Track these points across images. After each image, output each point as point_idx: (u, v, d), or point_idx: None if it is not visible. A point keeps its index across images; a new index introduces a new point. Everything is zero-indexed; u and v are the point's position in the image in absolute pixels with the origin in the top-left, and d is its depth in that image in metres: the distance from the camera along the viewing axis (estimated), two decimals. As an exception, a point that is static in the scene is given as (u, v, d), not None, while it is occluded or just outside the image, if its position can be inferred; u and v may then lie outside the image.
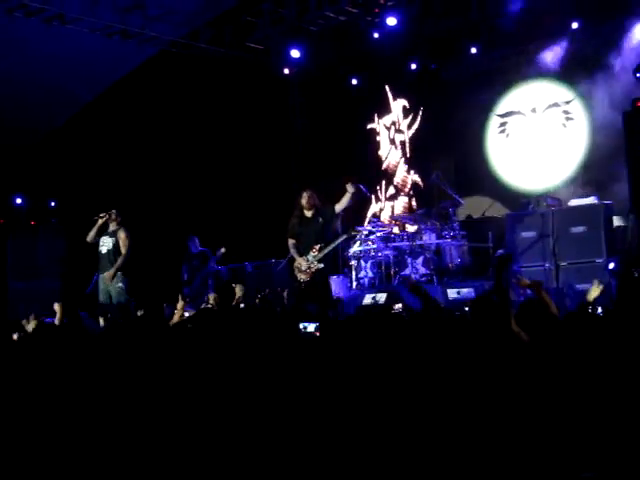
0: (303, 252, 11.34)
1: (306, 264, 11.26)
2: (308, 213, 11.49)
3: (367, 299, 12.88)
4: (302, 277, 11.21)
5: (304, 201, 11.20)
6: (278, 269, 14.60)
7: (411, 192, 16.57)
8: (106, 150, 16.55)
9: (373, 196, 16.81)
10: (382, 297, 12.61)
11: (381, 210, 16.67)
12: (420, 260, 13.55)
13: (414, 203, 16.31)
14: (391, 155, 17.03)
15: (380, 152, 17.15)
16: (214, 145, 16.85)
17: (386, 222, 14.89)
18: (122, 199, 16.03)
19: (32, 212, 17.33)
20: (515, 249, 12.58)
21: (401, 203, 16.61)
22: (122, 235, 11.61)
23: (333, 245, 11.25)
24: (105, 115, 16.27)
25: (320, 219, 11.32)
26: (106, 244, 11.79)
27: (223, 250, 13.75)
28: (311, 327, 3.02)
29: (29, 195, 17.22)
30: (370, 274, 13.88)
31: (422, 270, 13.42)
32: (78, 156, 16.44)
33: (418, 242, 13.67)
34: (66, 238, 16.43)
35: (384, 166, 17.06)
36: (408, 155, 16.82)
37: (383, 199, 16.86)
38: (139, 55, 15.54)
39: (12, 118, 15.30)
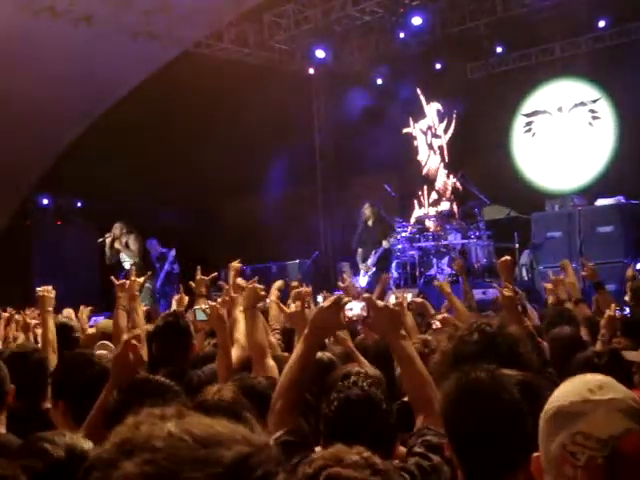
0: (365, 259, 13.21)
1: (365, 269, 13.09)
2: (370, 222, 13.30)
3: (392, 299, 12.82)
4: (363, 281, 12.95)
5: (366, 212, 13.28)
6: (303, 269, 14.63)
7: (452, 197, 16.44)
8: (131, 150, 16.60)
9: (416, 201, 16.80)
10: (407, 296, 12.55)
11: (425, 215, 16.38)
12: (445, 260, 13.51)
13: (455, 208, 16.06)
14: (430, 160, 16.96)
15: (419, 157, 17.09)
16: (238, 145, 16.86)
17: (432, 228, 14.71)
18: (146, 199, 16.11)
19: (58, 212, 17.41)
20: (541, 249, 12.50)
21: (444, 209, 16.41)
22: (131, 243, 12.22)
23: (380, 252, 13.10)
24: (130, 115, 16.31)
25: (379, 228, 13.32)
26: (127, 259, 12.21)
27: (173, 252, 13.88)
28: (357, 308, 2.97)
29: (55, 195, 17.30)
30: (395, 274, 13.84)
31: (447, 270, 13.37)
32: (103, 156, 16.50)
33: (443, 242, 13.62)
34: (92, 238, 16.50)
35: (424, 172, 17.01)
36: (447, 160, 16.74)
37: (426, 205, 16.77)
38: (163, 56, 15.58)
39: (38, 120, 15.38)
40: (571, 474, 1.70)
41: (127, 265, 12.21)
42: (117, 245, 12.68)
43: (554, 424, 1.74)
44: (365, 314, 2.93)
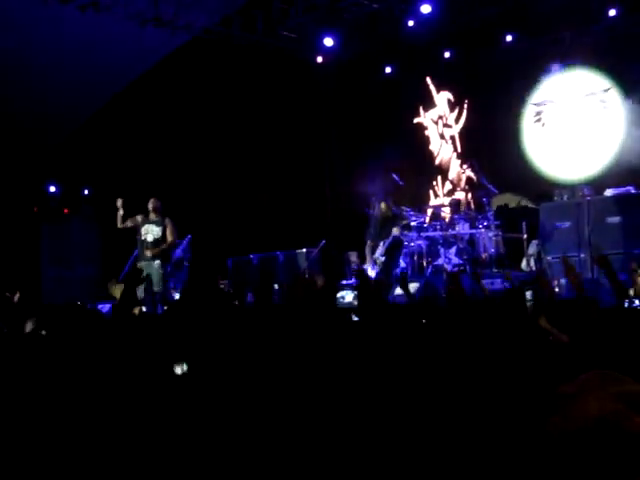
0: (374, 251, 13.43)
1: (373, 260, 13.25)
2: (383, 220, 13.63)
3: (398, 289, 12.79)
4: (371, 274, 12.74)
5: (383, 213, 13.67)
6: (310, 258, 14.59)
7: (466, 187, 16.37)
8: (139, 138, 16.57)
9: (431, 191, 16.73)
10: (414, 288, 12.53)
11: (441, 205, 16.29)
12: (453, 250, 13.45)
13: (470, 198, 15.96)
14: (443, 150, 16.88)
15: (431, 147, 17.01)
16: (246, 133, 16.81)
17: (447, 219, 14.67)
18: (154, 187, 16.08)
19: (65, 200, 17.39)
20: (549, 239, 12.43)
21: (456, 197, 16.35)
22: (170, 225, 11.62)
23: (388, 242, 13.20)
24: (137, 103, 16.27)
25: (391, 223, 13.52)
26: (152, 232, 11.67)
27: (189, 237, 13.85)
28: (349, 297, 2.92)
29: (62, 183, 17.28)
30: (403, 264, 13.79)
31: (455, 260, 13.31)
32: (111, 143, 16.48)
33: (451, 232, 13.56)
34: (99, 226, 16.47)
35: (437, 162, 16.94)
36: (459, 150, 16.66)
37: (441, 195, 16.70)
38: (171, 43, 15.52)
39: (46, 107, 15.36)
40: None
41: (149, 238, 11.84)
42: (152, 217, 12.07)
43: None
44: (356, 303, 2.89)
